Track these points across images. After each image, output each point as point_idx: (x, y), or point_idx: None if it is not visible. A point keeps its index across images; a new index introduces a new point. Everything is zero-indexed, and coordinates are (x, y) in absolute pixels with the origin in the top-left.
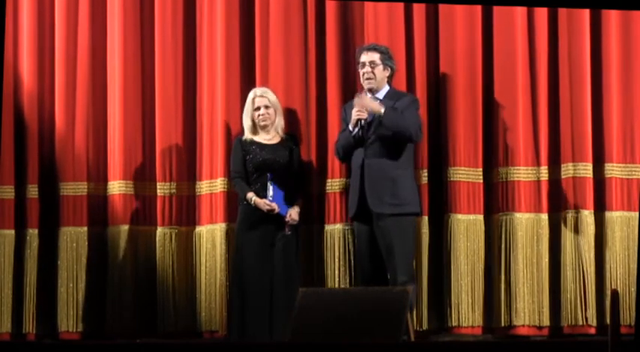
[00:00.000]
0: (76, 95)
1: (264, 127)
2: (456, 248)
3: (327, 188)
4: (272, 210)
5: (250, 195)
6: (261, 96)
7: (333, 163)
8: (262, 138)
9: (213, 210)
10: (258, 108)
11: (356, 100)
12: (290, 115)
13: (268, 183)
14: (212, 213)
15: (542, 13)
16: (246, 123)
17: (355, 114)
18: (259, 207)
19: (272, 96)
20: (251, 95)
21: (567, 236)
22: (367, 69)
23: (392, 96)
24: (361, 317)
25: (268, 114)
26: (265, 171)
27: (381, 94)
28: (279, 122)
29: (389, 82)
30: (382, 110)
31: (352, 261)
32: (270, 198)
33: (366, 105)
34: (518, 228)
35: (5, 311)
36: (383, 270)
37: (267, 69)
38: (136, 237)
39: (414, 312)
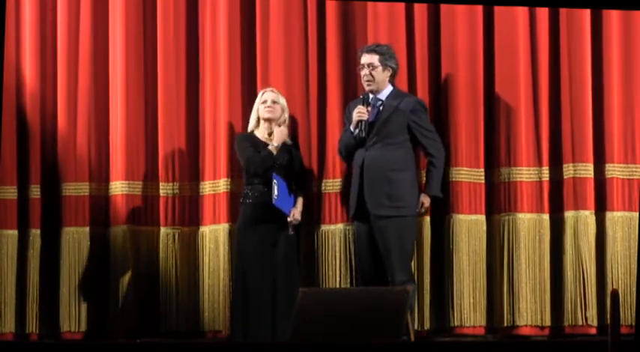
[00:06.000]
0: (78, 95)
1: (266, 121)
2: (458, 248)
3: (328, 188)
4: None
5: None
6: (270, 91)
7: (334, 163)
8: (263, 136)
9: (216, 210)
10: (265, 102)
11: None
12: (290, 115)
13: (273, 184)
14: (215, 214)
15: (543, 14)
16: (252, 120)
17: (356, 115)
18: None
19: (281, 99)
20: (261, 92)
21: (568, 236)
22: (366, 71)
23: (395, 96)
24: (361, 317)
25: (274, 108)
26: (267, 172)
27: (383, 95)
28: (284, 127)
29: (392, 82)
30: (439, 195)
31: (352, 261)
32: (275, 198)
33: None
34: (520, 229)
35: (8, 311)
36: (383, 270)
37: (268, 69)
38: (138, 237)
39: (414, 312)
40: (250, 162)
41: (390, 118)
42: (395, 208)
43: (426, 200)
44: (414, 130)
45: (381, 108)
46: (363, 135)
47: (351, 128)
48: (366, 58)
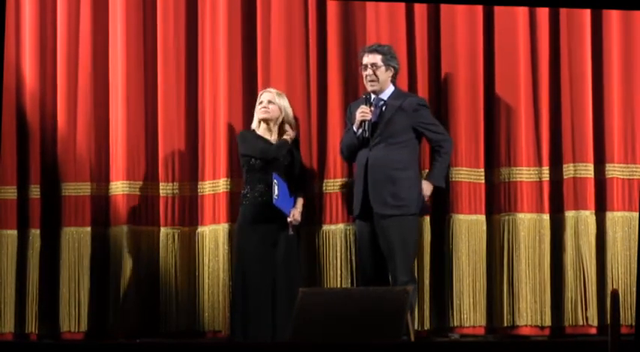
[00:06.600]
0: (78, 95)
1: (263, 121)
2: (458, 248)
3: (329, 188)
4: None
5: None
6: (268, 92)
7: (335, 163)
8: (264, 134)
9: (216, 210)
10: (261, 102)
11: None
12: None
13: (273, 184)
14: (215, 214)
15: (543, 14)
16: (254, 121)
17: (359, 115)
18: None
19: (279, 99)
20: (260, 92)
21: (568, 236)
22: (369, 71)
23: (397, 96)
24: (361, 317)
25: (269, 109)
26: (268, 171)
27: (385, 95)
28: (287, 128)
29: (393, 82)
30: (442, 185)
31: (353, 261)
32: (276, 198)
33: (427, 191)
34: (520, 229)
35: (8, 311)
36: (384, 270)
37: (268, 69)
38: (138, 237)
39: (415, 312)
40: (267, 150)
41: (393, 118)
42: (398, 207)
43: (427, 188)
44: (420, 129)
45: (383, 108)
46: (367, 135)
47: (354, 128)
48: (368, 58)
